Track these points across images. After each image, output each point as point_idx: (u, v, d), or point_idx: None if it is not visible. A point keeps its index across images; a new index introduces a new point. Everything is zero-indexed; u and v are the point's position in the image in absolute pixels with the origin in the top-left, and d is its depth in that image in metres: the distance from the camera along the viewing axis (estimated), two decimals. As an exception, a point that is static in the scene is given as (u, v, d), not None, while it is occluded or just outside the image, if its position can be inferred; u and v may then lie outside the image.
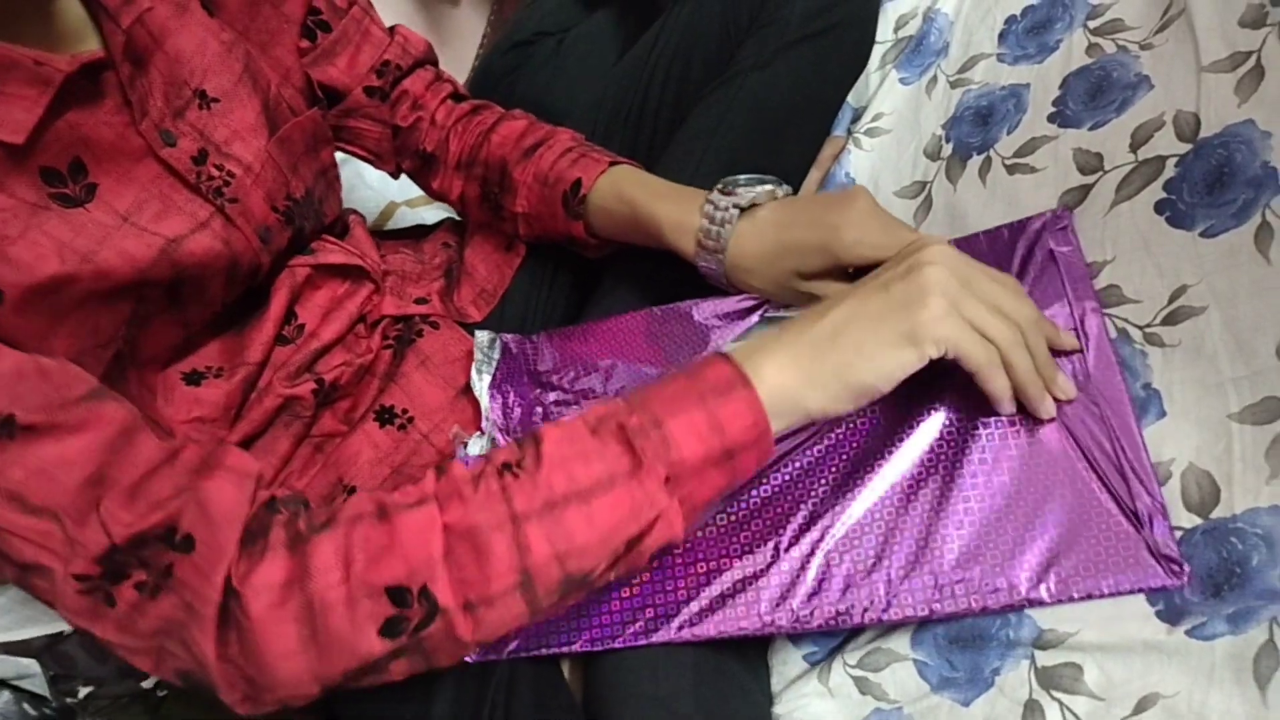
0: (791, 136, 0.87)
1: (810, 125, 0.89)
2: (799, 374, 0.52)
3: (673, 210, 0.72)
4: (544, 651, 0.62)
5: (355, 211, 0.86)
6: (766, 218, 0.69)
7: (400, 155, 0.86)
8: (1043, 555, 0.55)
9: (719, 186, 0.71)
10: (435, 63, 0.87)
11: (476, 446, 0.73)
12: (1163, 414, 0.57)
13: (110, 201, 0.58)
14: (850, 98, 0.95)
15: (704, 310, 0.76)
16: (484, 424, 0.74)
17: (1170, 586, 0.52)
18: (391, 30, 0.82)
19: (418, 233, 0.95)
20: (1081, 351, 0.61)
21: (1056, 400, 0.58)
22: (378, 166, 0.87)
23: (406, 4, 1.58)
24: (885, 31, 0.94)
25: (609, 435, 0.49)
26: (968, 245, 0.70)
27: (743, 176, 0.71)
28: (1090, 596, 0.53)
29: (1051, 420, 0.59)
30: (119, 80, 0.59)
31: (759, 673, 0.64)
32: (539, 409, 0.75)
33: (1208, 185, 0.63)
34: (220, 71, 0.66)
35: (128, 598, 0.47)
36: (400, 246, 0.88)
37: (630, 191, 0.75)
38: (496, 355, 0.79)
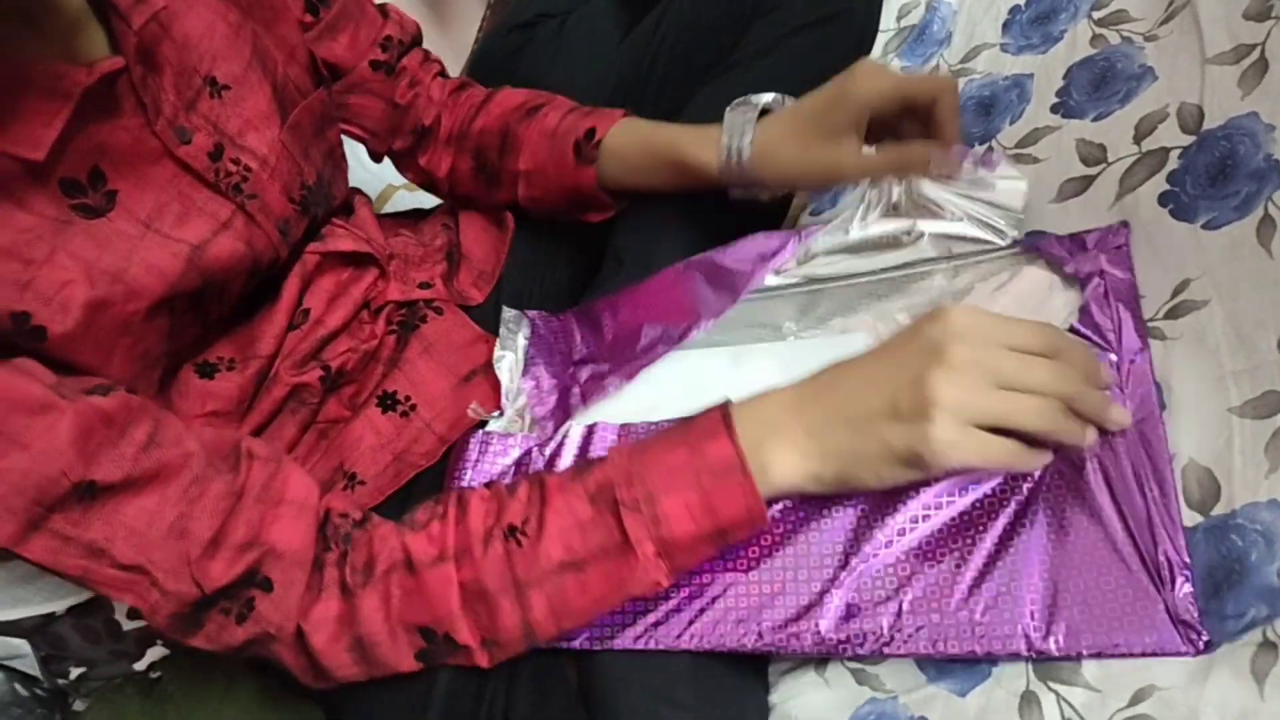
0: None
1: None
2: (803, 471, 0.53)
3: (693, 133, 0.75)
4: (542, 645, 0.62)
5: (360, 191, 0.85)
6: (783, 109, 0.73)
7: (395, 134, 0.86)
8: (1055, 604, 0.53)
9: (731, 106, 0.74)
10: (422, 43, 0.88)
11: (498, 425, 0.74)
12: (1164, 408, 0.57)
13: (131, 208, 0.57)
14: (852, 86, 0.94)
15: (731, 255, 0.74)
16: (504, 402, 0.74)
17: (1185, 654, 0.49)
18: (383, 10, 0.82)
19: (416, 215, 0.94)
20: (1121, 389, 0.57)
21: (1102, 431, 0.55)
22: (371, 145, 0.87)
23: (405, -14, 1.57)
24: (888, 20, 0.94)
25: (605, 507, 0.53)
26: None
27: (747, 97, 0.74)
28: (1100, 655, 0.51)
29: (1083, 460, 0.55)
30: (132, 82, 0.57)
31: (756, 662, 0.64)
32: (575, 389, 0.74)
33: (1210, 177, 0.62)
34: (230, 56, 0.64)
35: (216, 621, 0.54)
36: (400, 229, 0.87)
37: (647, 131, 0.78)
38: (523, 334, 0.78)
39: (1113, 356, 0.59)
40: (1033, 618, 0.53)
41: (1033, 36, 0.81)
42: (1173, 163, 0.65)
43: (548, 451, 0.70)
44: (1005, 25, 0.84)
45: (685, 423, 0.56)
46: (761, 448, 0.52)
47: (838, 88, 0.69)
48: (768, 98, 0.74)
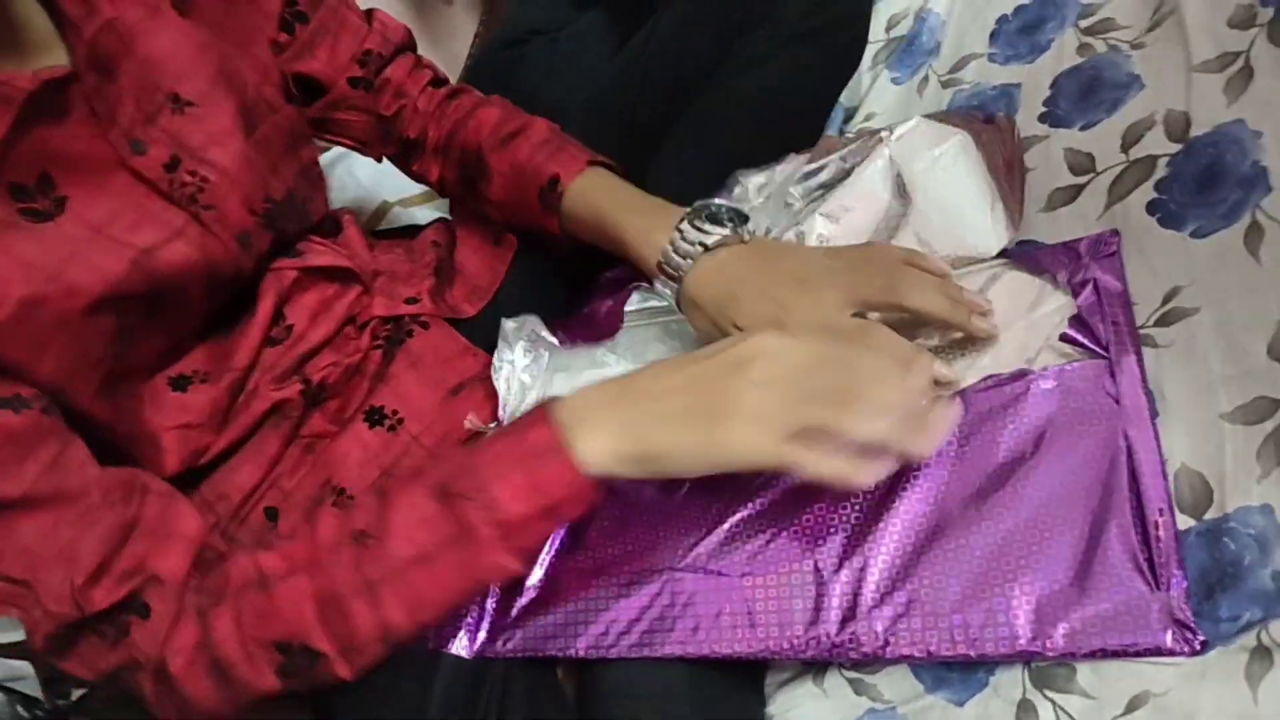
0: (785, 136, 0.87)
1: (803, 125, 0.89)
2: (610, 450, 0.53)
3: (641, 227, 0.71)
4: (540, 654, 0.62)
5: (349, 211, 0.85)
6: (728, 262, 0.67)
7: (385, 143, 0.86)
8: (1049, 605, 0.52)
9: (690, 213, 0.69)
10: (414, 48, 0.86)
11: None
12: (1155, 415, 0.57)
13: (81, 213, 0.58)
14: (842, 97, 0.95)
15: None
16: (501, 412, 0.74)
17: (1180, 654, 0.50)
18: (369, 16, 0.82)
19: (408, 232, 0.95)
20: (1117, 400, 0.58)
21: (1086, 442, 0.56)
22: (365, 154, 0.87)
23: (398, 3, 1.58)
24: (877, 31, 0.94)
25: (444, 500, 0.54)
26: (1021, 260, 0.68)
27: (718, 203, 0.70)
28: (1093, 655, 0.51)
29: (1079, 462, 0.56)
30: (84, 91, 0.58)
31: (752, 672, 0.64)
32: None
33: (1198, 185, 0.63)
34: (194, 74, 0.65)
35: (90, 644, 0.54)
36: (391, 246, 0.87)
37: (601, 200, 0.75)
38: (522, 346, 0.78)
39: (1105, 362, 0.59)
40: (1026, 616, 0.53)
41: (1020, 46, 0.81)
42: (1160, 171, 0.65)
43: None
44: (993, 35, 0.85)
45: (513, 421, 0.58)
46: (576, 431, 0.53)
47: (774, 309, 0.64)
48: (721, 233, 0.68)
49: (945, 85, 0.85)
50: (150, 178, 0.61)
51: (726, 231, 0.68)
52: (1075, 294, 0.63)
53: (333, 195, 0.99)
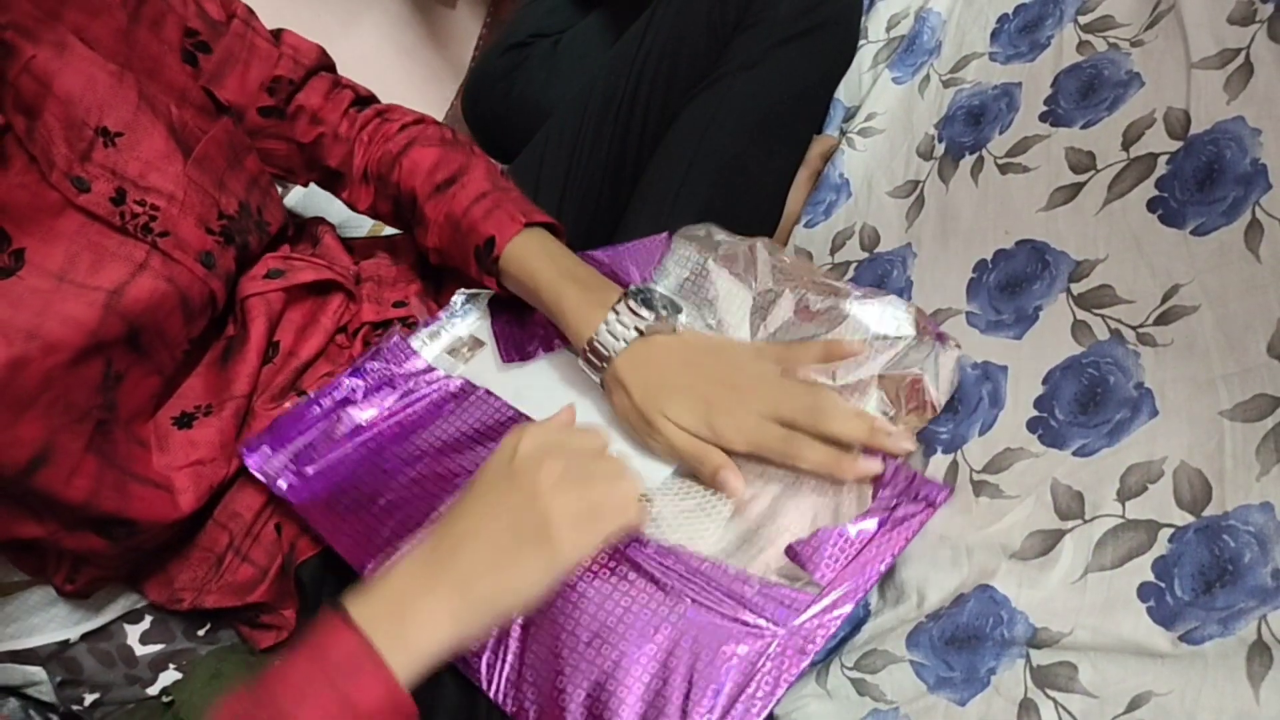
0: (781, 136, 0.87)
1: (799, 124, 0.89)
2: (455, 629, 0.52)
3: (576, 300, 0.71)
4: None
5: (324, 221, 0.85)
6: (659, 351, 0.68)
7: (309, 170, 0.83)
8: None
9: (626, 295, 0.70)
10: (331, 68, 0.82)
11: (421, 341, 0.79)
12: (1155, 413, 0.57)
13: (41, 264, 0.57)
14: (843, 97, 0.95)
15: (612, 253, 0.78)
16: (434, 324, 0.79)
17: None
18: (278, 37, 0.78)
19: (394, 239, 0.94)
20: None
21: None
22: (292, 181, 0.84)
23: (402, 6, 1.59)
24: (877, 31, 0.95)
25: None
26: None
27: (654, 289, 0.71)
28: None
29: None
30: (18, 138, 0.57)
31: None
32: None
33: (1198, 182, 0.63)
34: (116, 104, 0.63)
35: None
36: (376, 251, 0.88)
37: (538, 267, 0.73)
38: (472, 318, 0.81)
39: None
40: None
41: (1021, 45, 0.81)
42: (1161, 168, 0.65)
43: (424, 389, 0.75)
44: (994, 34, 0.85)
45: (308, 633, 0.53)
46: (403, 622, 0.51)
47: (648, 433, 0.67)
48: (652, 322, 0.68)
49: (947, 85, 0.85)
50: (101, 214, 0.60)
51: (659, 319, 0.68)
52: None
53: (335, 201, 1.00)
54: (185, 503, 0.66)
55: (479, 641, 0.60)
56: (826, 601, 0.58)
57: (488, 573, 0.53)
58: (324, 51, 0.81)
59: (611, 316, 0.68)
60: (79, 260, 0.59)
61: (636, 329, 0.68)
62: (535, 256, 0.73)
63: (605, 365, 0.69)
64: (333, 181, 0.83)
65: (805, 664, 0.56)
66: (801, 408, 0.64)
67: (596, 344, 0.68)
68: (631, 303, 0.68)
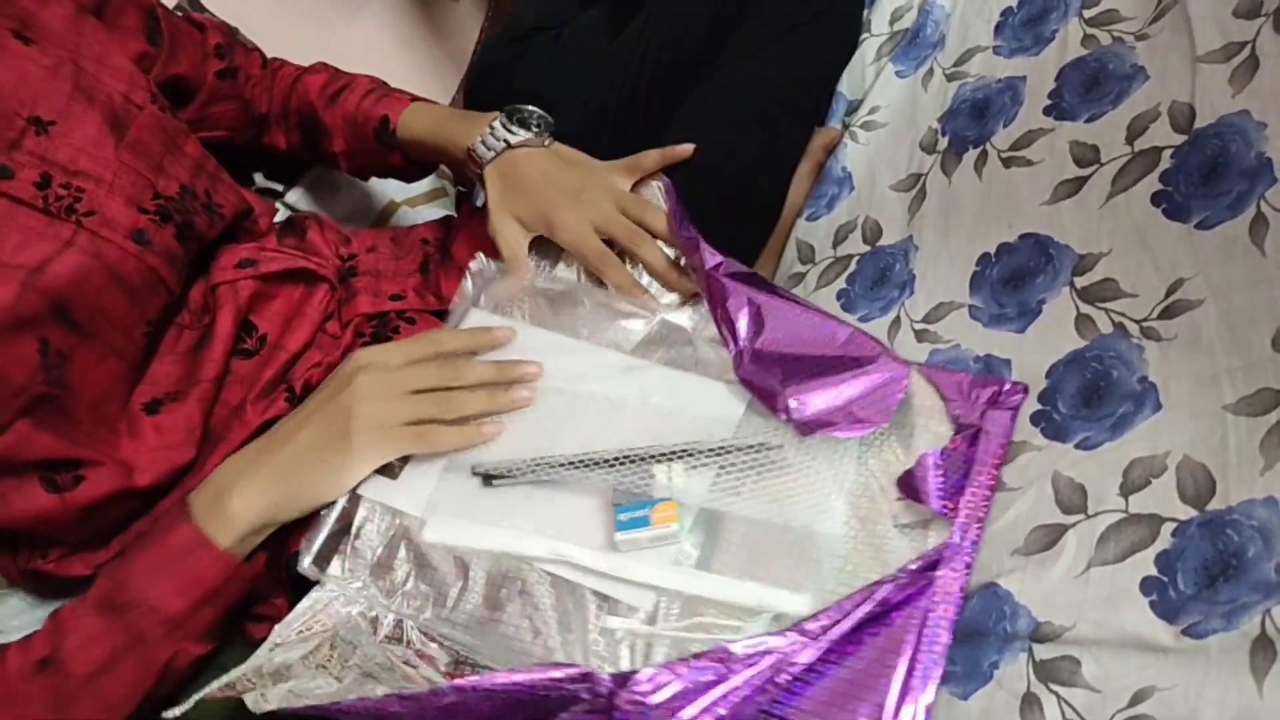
0: (783, 127, 0.87)
1: (801, 115, 0.89)
2: (263, 503, 0.63)
3: (462, 129, 0.82)
4: None
5: (313, 216, 0.87)
6: (524, 160, 0.80)
7: (247, 125, 0.92)
8: None
9: (503, 113, 0.81)
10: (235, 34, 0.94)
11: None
12: (1159, 407, 0.57)
13: None
14: (846, 90, 0.95)
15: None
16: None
17: None
18: (198, 25, 0.87)
19: (400, 232, 0.95)
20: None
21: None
22: (238, 142, 0.92)
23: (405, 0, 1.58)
24: (880, 24, 0.94)
25: (110, 614, 0.61)
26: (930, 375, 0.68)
27: (530, 110, 0.81)
28: None
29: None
30: None
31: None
32: None
33: (1203, 176, 0.63)
34: (49, 95, 0.66)
35: None
36: (378, 245, 0.88)
37: (428, 121, 0.86)
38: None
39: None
40: None
41: (1025, 38, 0.81)
42: (1165, 162, 0.65)
43: None
44: (998, 28, 0.84)
45: (156, 522, 0.67)
46: (223, 501, 0.62)
47: (547, 206, 0.79)
48: (523, 136, 0.80)
49: (950, 78, 0.85)
50: (24, 198, 0.62)
51: (531, 135, 0.80)
52: (956, 431, 0.63)
53: (340, 195, 1.00)
54: (141, 479, 0.67)
55: None
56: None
57: (296, 468, 0.64)
58: (225, 22, 0.95)
59: (487, 131, 0.81)
60: (4, 242, 0.61)
61: (506, 141, 0.80)
62: (425, 116, 0.86)
63: (480, 174, 0.81)
64: (259, 130, 0.94)
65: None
66: (623, 230, 0.77)
67: (473, 151, 0.81)
68: (505, 119, 0.81)
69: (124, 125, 0.70)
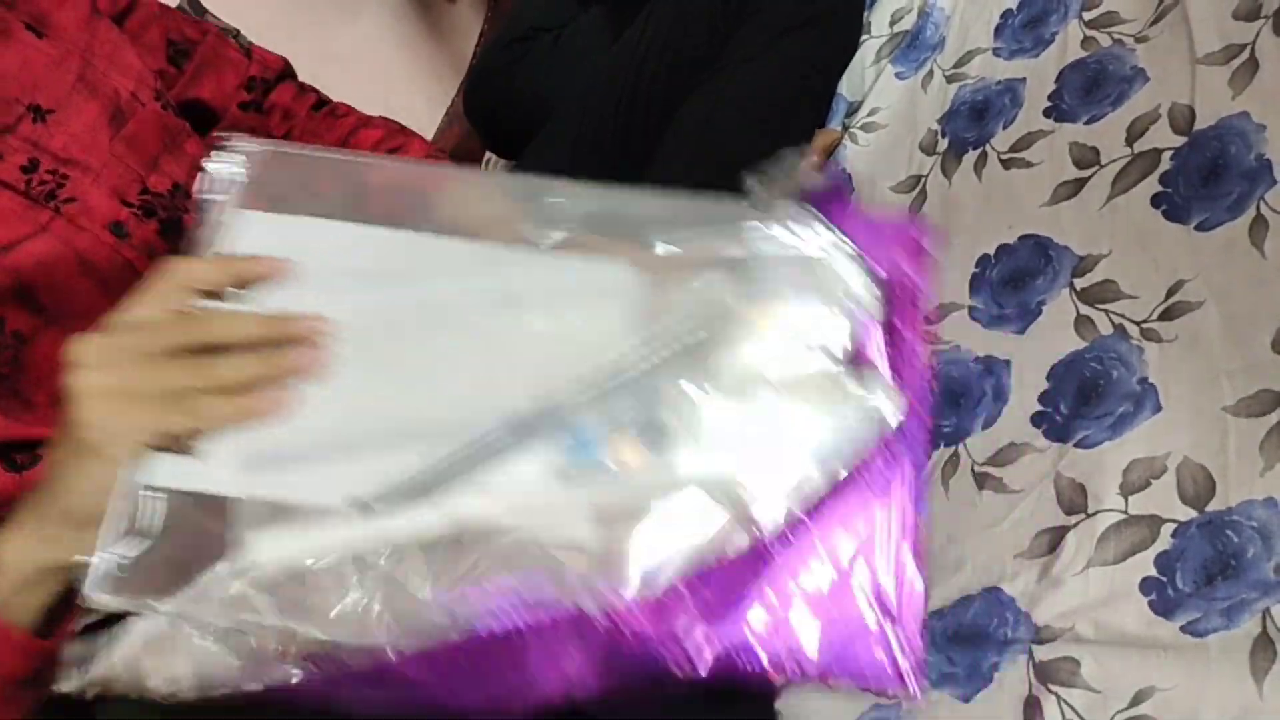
0: (783, 128, 0.87)
1: (802, 116, 0.89)
2: (40, 552, 0.50)
3: None
4: None
5: None
6: None
7: None
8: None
9: None
10: (294, 76, 0.91)
11: None
12: (1158, 408, 0.57)
13: None
14: (846, 91, 0.95)
15: None
16: None
17: (891, 688, 0.46)
18: (248, 52, 0.86)
19: None
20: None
21: None
22: None
23: (402, 1, 1.58)
24: (880, 26, 0.94)
25: None
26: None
27: None
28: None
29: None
30: None
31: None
32: None
33: (1203, 178, 0.63)
34: (51, 84, 0.67)
35: None
36: None
37: None
38: None
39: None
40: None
41: (1024, 40, 0.81)
42: (1165, 164, 0.65)
43: None
44: (997, 30, 0.84)
45: None
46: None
47: None
48: None
49: (950, 80, 0.85)
50: (8, 180, 0.63)
51: None
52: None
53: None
54: None
55: None
56: None
57: (53, 492, 0.51)
58: (288, 63, 0.90)
59: None
60: None
61: None
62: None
63: None
64: None
65: None
66: None
67: None
68: None
69: (124, 119, 0.71)
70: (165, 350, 0.50)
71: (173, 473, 0.48)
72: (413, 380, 0.51)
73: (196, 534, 0.49)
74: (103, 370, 0.49)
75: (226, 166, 0.54)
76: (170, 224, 0.72)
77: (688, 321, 0.53)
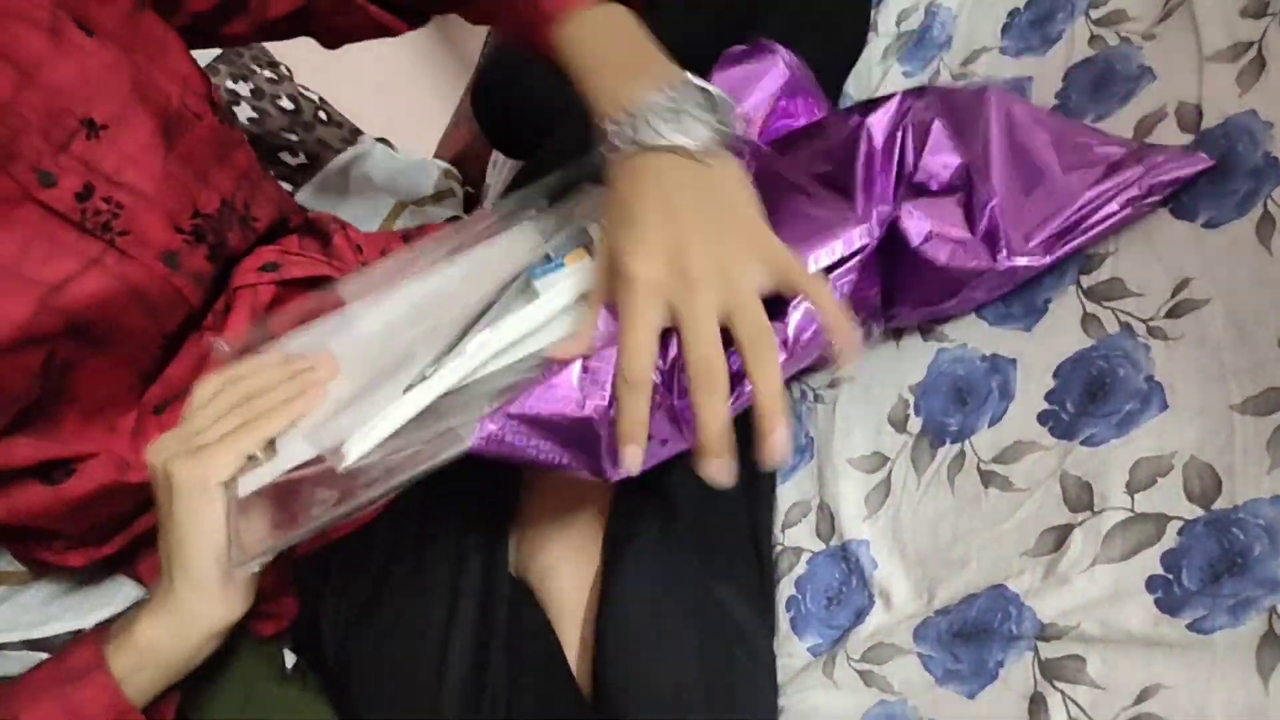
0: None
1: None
2: (167, 628, 0.55)
3: (610, 87, 0.60)
4: None
5: (339, 221, 0.85)
6: (644, 171, 0.56)
7: None
8: None
9: (678, 88, 0.57)
10: None
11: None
12: (1165, 406, 0.57)
13: None
14: (853, 90, 0.95)
15: None
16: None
17: None
18: None
19: (412, 233, 0.94)
20: None
21: None
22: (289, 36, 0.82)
23: (412, 2, 1.59)
24: (887, 25, 0.94)
25: None
26: None
27: (721, 99, 0.57)
28: None
29: None
30: None
31: (766, 663, 0.64)
32: None
33: (1210, 175, 0.63)
34: (107, 95, 0.62)
35: None
36: (391, 247, 0.88)
37: (588, 49, 0.65)
38: None
39: None
40: None
41: (1031, 39, 0.81)
42: (1172, 162, 0.65)
43: None
44: (1004, 28, 0.84)
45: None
46: (131, 631, 0.55)
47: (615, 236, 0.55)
48: (675, 140, 0.56)
49: (957, 78, 0.85)
50: (61, 209, 0.60)
51: (687, 142, 0.55)
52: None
53: (348, 196, 1.00)
54: (135, 476, 0.65)
55: None
56: None
57: (169, 576, 0.55)
58: None
59: (621, 120, 0.57)
60: (32, 250, 0.58)
61: (635, 143, 0.56)
62: (593, 39, 0.67)
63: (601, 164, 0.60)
64: None
65: None
66: (748, 335, 0.51)
67: (605, 133, 0.59)
68: (673, 99, 0.56)
69: (176, 133, 0.67)
70: (218, 412, 0.56)
71: (261, 476, 0.56)
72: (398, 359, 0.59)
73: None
74: (172, 441, 0.55)
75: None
76: (218, 246, 0.70)
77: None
